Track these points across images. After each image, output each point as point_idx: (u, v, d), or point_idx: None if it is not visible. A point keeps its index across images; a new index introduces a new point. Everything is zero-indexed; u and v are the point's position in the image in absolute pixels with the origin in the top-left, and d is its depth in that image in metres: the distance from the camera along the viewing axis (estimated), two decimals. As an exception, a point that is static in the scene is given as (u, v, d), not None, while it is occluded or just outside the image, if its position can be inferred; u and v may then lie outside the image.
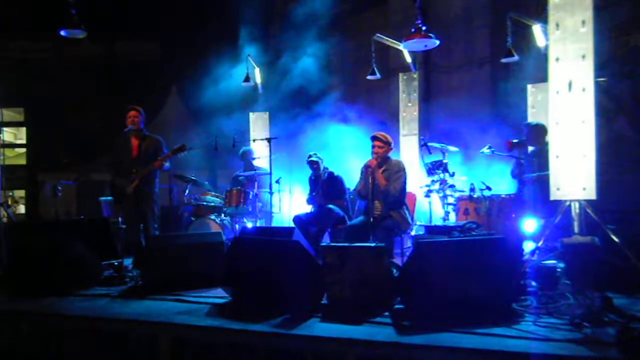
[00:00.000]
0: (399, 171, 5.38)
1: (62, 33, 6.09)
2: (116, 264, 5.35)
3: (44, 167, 11.94)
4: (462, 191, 6.06)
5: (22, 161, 13.49)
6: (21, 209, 13.39)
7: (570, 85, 3.97)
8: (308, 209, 6.77)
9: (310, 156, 6.64)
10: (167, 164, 5.96)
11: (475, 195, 5.65)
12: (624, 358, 2.69)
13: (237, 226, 7.09)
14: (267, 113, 9.00)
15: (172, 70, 9.99)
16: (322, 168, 6.63)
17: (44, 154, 12.14)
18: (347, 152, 7.53)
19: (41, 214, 11.06)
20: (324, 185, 6.53)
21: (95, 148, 10.05)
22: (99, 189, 8.96)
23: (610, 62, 7.57)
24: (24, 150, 13.65)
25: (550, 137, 4.19)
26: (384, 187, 5.26)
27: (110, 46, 10.19)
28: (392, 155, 5.59)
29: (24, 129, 13.51)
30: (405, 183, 5.42)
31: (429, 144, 6.76)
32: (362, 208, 5.83)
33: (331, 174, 6.60)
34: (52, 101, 11.33)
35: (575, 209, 4.04)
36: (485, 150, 5.99)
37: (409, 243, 5.60)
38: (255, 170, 7.58)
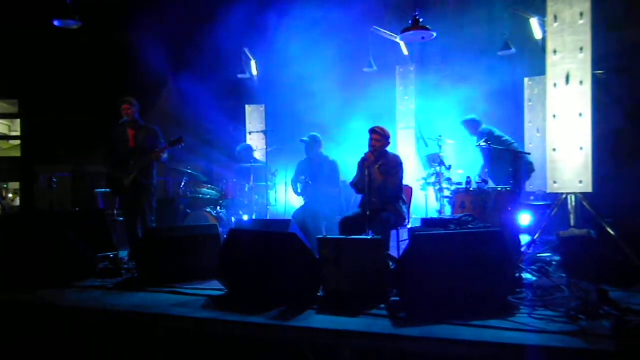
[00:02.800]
0: (397, 166, 5.36)
1: (56, 23, 6.04)
2: (112, 256, 5.35)
3: (39, 159, 11.87)
4: (459, 184, 6.06)
5: (17, 153, 13.39)
6: (16, 201, 13.34)
7: (568, 77, 3.97)
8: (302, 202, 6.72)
9: (310, 137, 6.51)
10: (164, 156, 5.93)
11: (471, 189, 5.64)
12: (619, 350, 2.70)
13: (233, 219, 7.08)
14: (264, 106, 8.98)
15: (169, 61, 9.94)
16: (319, 151, 6.49)
17: (39, 145, 12.06)
18: (345, 145, 7.51)
19: (36, 206, 11.00)
20: (318, 168, 6.38)
21: (91, 140, 10.00)
22: (95, 180, 8.92)
23: (607, 57, 7.56)
24: (18, 142, 13.58)
25: (548, 130, 4.18)
26: (381, 181, 5.25)
27: (106, 37, 10.10)
28: (389, 148, 5.56)
29: (18, 121, 13.43)
30: (402, 178, 5.41)
31: (426, 137, 6.76)
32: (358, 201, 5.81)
33: (326, 158, 6.48)
34: (47, 92, 11.25)
35: (571, 202, 4.04)
36: (482, 143, 5.99)
37: (405, 236, 5.60)
38: (257, 162, 7.55)
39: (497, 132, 6.48)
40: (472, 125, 6.77)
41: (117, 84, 9.61)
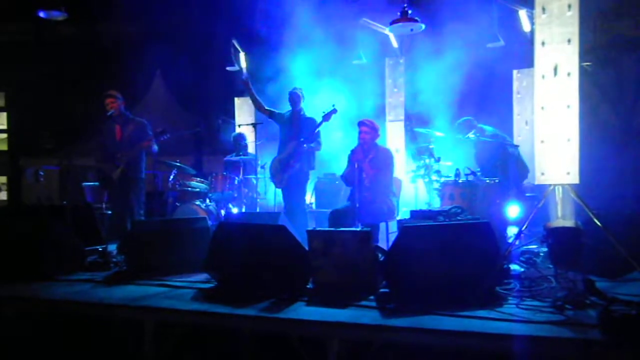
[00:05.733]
0: (387, 159, 5.36)
1: (41, 14, 5.96)
2: (100, 249, 5.31)
3: (26, 152, 11.77)
4: (448, 176, 6.09)
5: (4, 147, 13.29)
6: (3, 195, 13.23)
7: (555, 69, 3.98)
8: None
9: (295, 89, 6.25)
10: (154, 147, 5.90)
11: (460, 181, 5.67)
12: (605, 339, 2.73)
13: (222, 212, 7.05)
14: (253, 98, 8.92)
15: (157, 53, 9.85)
16: (301, 106, 6.22)
17: (26, 139, 11.96)
18: (333, 138, 7.50)
19: (23, 199, 10.92)
20: (298, 128, 6.11)
21: (79, 133, 9.92)
22: (82, 174, 8.86)
23: (595, 49, 7.60)
24: (5, 135, 13.46)
25: (536, 122, 4.20)
26: (371, 174, 5.26)
27: (93, 28, 10.01)
28: (378, 141, 5.57)
29: (4, 114, 13.31)
30: (393, 172, 5.43)
31: (415, 129, 6.77)
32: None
33: (305, 117, 6.19)
34: (34, 85, 11.14)
35: (559, 193, 4.07)
36: (471, 135, 6.01)
37: (394, 228, 5.62)
38: (247, 154, 7.52)
39: (490, 130, 6.42)
40: (466, 126, 6.46)
41: (105, 76, 9.52)
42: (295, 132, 6.09)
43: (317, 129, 5.98)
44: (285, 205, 6.26)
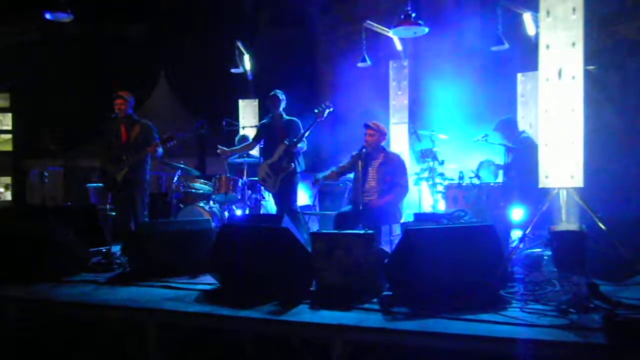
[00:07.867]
0: (401, 166, 5.31)
1: (47, 16, 5.98)
2: (104, 250, 5.33)
3: (30, 153, 11.81)
4: (452, 179, 6.08)
5: (8, 147, 13.34)
6: (7, 195, 13.28)
7: (560, 73, 3.98)
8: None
9: (274, 92, 6.20)
10: (160, 150, 5.91)
11: (464, 184, 5.66)
12: (609, 343, 2.72)
13: (226, 214, 7.06)
14: (257, 100, 8.94)
15: (161, 55, 9.88)
16: (281, 109, 6.20)
17: (30, 140, 12.00)
18: (338, 140, 7.51)
19: (28, 200, 10.95)
20: (282, 131, 6.06)
21: (83, 134, 9.95)
22: (87, 175, 8.88)
23: (599, 52, 7.57)
24: (9, 136, 13.51)
25: (540, 125, 4.20)
26: (381, 180, 5.23)
27: (98, 30, 10.04)
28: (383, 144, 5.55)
29: (9, 115, 13.36)
30: (407, 181, 5.37)
31: (419, 132, 6.77)
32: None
33: (286, 118, 6.17)
34: (39, 86, 11.19)
35: (563, 196, 4.06)
36: (480, 138, 5.98)
37: (397, 231, 5.61)
38: (250, 157, 7.52)
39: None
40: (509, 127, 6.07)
41: (110, 78, 9.55)
42: (280, 135, 6.05)
43: (308, 129, 5.95)
44: (279, 208, 6.25)
